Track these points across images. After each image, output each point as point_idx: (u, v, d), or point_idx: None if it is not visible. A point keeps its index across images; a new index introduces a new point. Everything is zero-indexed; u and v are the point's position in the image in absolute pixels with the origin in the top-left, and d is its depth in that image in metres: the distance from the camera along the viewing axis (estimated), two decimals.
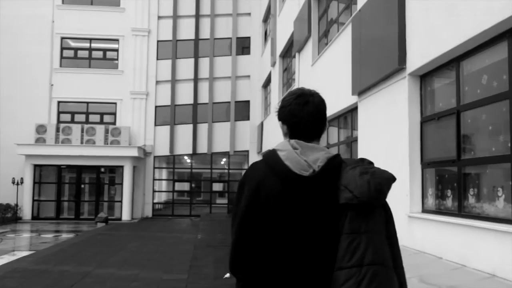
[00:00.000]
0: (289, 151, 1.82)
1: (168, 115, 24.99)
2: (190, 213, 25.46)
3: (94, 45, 25.14)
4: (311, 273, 1.76)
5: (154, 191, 25.16)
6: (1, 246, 13.79)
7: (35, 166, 22.55)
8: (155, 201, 25.57)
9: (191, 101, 25.16)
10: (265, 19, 24.20)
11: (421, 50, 6.49)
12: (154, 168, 25.05)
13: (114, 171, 23.85)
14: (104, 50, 25.36)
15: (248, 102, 25.57)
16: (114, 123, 24.45)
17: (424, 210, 6.68)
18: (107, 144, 22.85)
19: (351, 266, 1.63)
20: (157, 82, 25.06)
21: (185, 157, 26.70)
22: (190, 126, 24.99)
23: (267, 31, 23.75)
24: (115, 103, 24.67)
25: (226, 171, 26.82)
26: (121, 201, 22.95)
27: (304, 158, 1.79)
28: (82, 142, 22.65)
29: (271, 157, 1.85)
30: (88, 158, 22.25)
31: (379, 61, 7.84)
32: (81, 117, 24.63)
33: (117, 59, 25.06)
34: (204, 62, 25.37)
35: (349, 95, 9.51)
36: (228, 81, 25.38)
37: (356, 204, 1.69)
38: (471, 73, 5.71)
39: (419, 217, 6.52)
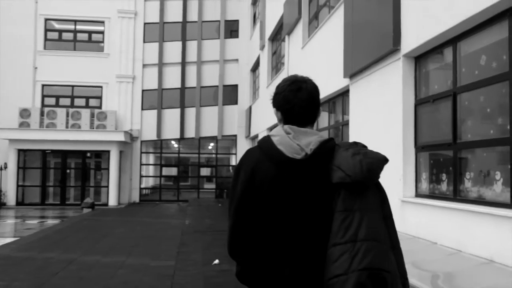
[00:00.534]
0: (282, 136, 1.87)
1: (155, 99, 24.62)
2: (177, 198, 25.26)
3: (79, 27, 24.59)
4: (307, 252, 1.80)
5: (141, 176, 24.87)
6: None
7: (19, 151, 22.13)
8: (142, 186, 25.29)
9: (178, 85, 24.80)
10: (254, 2, 23.81)
11: (416, 31, 6.30)
12: (141, 153, 24.74)
13: (100, 156, 23.47)
14: (90, 33, 24.83)
15: (236, 86, 25.27)
16: (100, 107, 24.03)
17: (418, 195, 6.55)
18: (93, 128, 22.47)
19: (345, 242, 1.67)
20: (144, 66, 24.64)
21: (173, 142, 26.42)
22: (178, 110, 24.66)
23: (255, 14, 23.41)
24: (101, 87, 24.23)
25: (214, 155, 26.60)
26: (107, 187, 22.67)
27: (297, 142, 1.83)
28: (67, 127, 22.23)
29: (265, 142, 1.90)
30: (73, 142, 21.85)
31: (372, 43, 7.64)
32: (66, 101, 24.17)
33: (103, 42, 24.56)
34: (192, 46, 24.97)
35: (340, 78, 9.32)
36: (216, 64, 25.03)
37: (349, 183, 1.73)
38: (469, 54, 5.54)
39: (412, 202, 6.39)
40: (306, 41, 12.53)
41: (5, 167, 21.78)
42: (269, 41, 18.86)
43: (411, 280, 4.66)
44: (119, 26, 24.35)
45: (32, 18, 23.67)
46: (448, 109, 5.79)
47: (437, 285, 4.40)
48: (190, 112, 24.73)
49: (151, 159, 27.50)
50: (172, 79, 24.76)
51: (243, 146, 24.13)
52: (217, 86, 25.00)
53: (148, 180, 27.13)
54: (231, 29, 25.67)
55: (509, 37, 4.66)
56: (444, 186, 5.97)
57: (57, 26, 24.54)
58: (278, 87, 2.00)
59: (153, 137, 24.59)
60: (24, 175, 22.67)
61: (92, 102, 24.40)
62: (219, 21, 25.22)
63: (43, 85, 23.81)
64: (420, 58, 6.62)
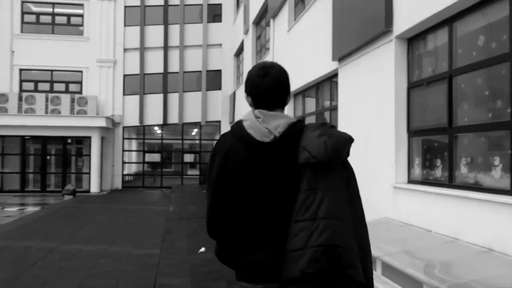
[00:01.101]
0: (252, 120, 1.97)
1: (137, 84, 24.13)
2: (161, 185, 24.90)
3: (57, 9, 23.87)
4: (276, 230, 1.88)
5: (123, 162, 24.46)
6: None
7: None
8: (125, 172, 24.89)
9: (161, 70, 24.33)
10: None
11: (410, 11, 6.07)
12: (124, 139, 24.30)
13: (82, 142, 22.98)
14: (69, 16, 24.15)
15: (220, 71, 24.88)
16: (80, 93, 23.47)
17: (410, 181, 6.37)
18: (73, 114, 21.93)
19: (305, 219, 1.75)
20: (125, 50, 24.10)
21: (156, 128, 26.00)
22: (160, 96, 24.24)
23: None
24: (81, 72, 23.66)
25: (197, 141, 26.27)
26: (89, 173, 22.23)
27: (266, 126, 1.93)
28: (46, 112, 21.63)
29: (236, 127, 2.00)
30: (53, 128, 21.30)
31: (363, 24, 7.40)
32: (45, 86, 23.56)
33: (82, 25, 23.93)
34: (174, 30, 24.47)
35: (328, 61, 9.07)
36: (199, 49, 24.58)
37: (314, 164, 1.80)
38: (466, 35, 5.33)
39: (405, 188, 6.21)
40: (292, 24, 12.24)
41: None
42: (253, 25, 18.51)
43: (407, 269, 4.49)
44: (99, 9, 23.71)
45: (8, 0, 22.89)
46: (444, 92, 5.59)
47: (433, 274, 4.22)
48: (173, 98, 24.33)
49: (134, 145, 27.02)
50: (154, 64, 24.27)
51: None
52: (200, 71, 24.60)
53: (131, 166, 26.71)
54: (214, 13, 25.22)
55: (510, 15, 4.46)
56: (438, 172, 5.80)
57: (34, 9, 23.81)
58: (248, 73, 2.10)
59: (136, 123, 24.17)
60: (2, 161, 22.15)
61: (72, 87, 23.82)
62: (201, 4, 24.73)
63: (20, 70, 23.16)
64: (413, 40, 6.40)
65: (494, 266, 4.12)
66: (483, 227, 4.57)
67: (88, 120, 21.60)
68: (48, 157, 22.77)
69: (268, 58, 14.96)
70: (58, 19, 23.97)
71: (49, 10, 23.81)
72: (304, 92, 11.54)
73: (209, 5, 24.87)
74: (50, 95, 22.06)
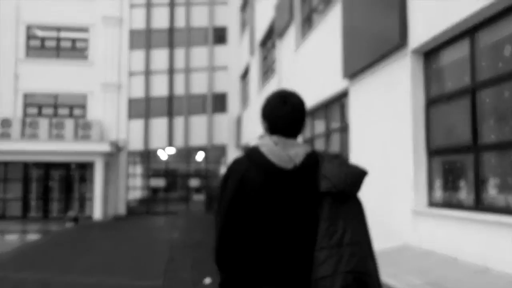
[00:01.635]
0: (271, 146, 1.94)
1: (142, 108, 23.84)
2: (166, 210, 24.39)
3: (62, 34, 23.77)
4: (294, 258, 1.85)
5: (128, 187, 24.03)
6: None
7: (0, 162, 21.20)
8: (129, 198, 24.43)
9: (166, 93, 24.08)
10: (243, 8, 23.25)
11: (426, 23, 5.69)
12: (128, 163, 23.92)
13: (85, 167, 22.59)
14: (74, 40, 24.01)
15: (225, 94, 24.61)
16: (84, 117, 23.19)
17: (431, 204, 5.89)
18: (77, 138, 21.62)
19: (331, 246, 1.76)
20: (130, 74, 23.89)
21: (160, 152, 25.60)
22: (166, 119, 23.92)
23: (245, 20, 22.84)
24: (86, 96, 23.40)
25: (203, 165, 25.83)
26: (92, 199, 21.79)
27: (286, 153, 1.91)
28: (50, 137, 21.32)
29: (254, 152, 1.95)
30: (56, 154, 20.94)
31: (375, 39, 7.02)
32: (49, 110, 23.30)
33: (87, 49, 23.79)
34: (180, 53, 24.31)
35: (337, 79, 8.69)
36: (205, 72, 24.38)
37: (334, 193, 1.84)
38: (489, 45, 4.92)
39: (425, 212, 5.73)
40: (300, 43, 11.92)
41: None
42: (259, 46, 18.26)
43: None
44: (103, 33, 23.59)
45: (13, 24, 22.83)
46: (466, 108, 5.15)
47: None
48: (179, 121, 24.01)
49: (138, 169, 26.61)
50: (160, 87, 24.04)
51: (233, 155, 23.38)
52: (206, 94, 24.33)
53: (135, 191, 26.25)
54: (220, 36, 25.06)
55: None
56: (462, 195, 5.32)
57: (39, 33, 23.74)
58: (266, 99, 2.09)
59: (140, 147, 23.81)
60: (5, 187, 21.75)
61: (77, 111, 23.52)
62: (207, 27, 24.61)
63: (25, 94, 22.95)
64: (431, 53, 5.99)
65: None
66: None
67: (92, 145, 21.24)
68: (50, 183, 22.37)
69: (275, 79, 14.63)
70: (63, 43, 23.85)
71: (54, 35, 23.71)
72: (313, 113, 11.09)
73: (214, 28, 24.73)
74: (54, 119, 21.77)
